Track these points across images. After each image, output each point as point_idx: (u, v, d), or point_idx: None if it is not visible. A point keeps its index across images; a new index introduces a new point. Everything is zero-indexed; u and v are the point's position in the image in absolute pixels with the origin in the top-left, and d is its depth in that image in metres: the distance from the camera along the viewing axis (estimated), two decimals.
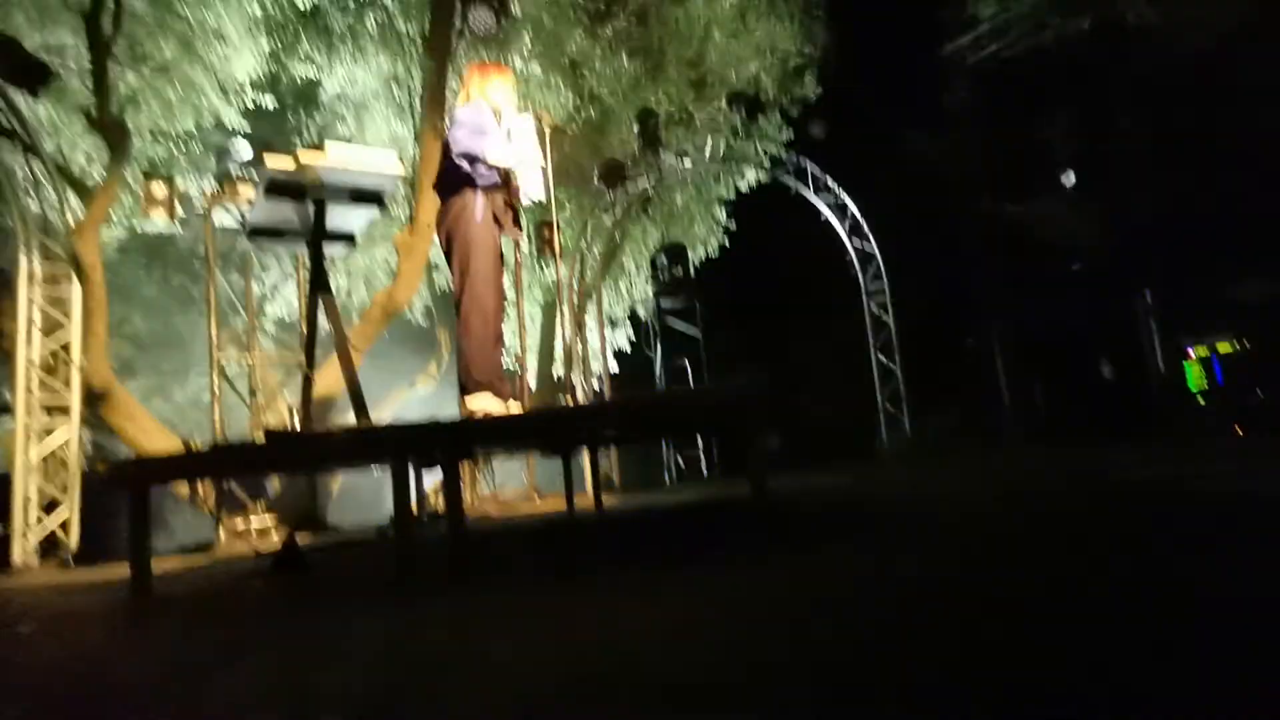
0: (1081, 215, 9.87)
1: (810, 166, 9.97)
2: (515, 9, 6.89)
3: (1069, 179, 9.34)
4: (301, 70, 7.10)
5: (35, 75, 5.22)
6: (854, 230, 9.97)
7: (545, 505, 7.31)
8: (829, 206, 10.01)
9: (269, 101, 7.12)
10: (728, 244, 10.37)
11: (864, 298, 10.12)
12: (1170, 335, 8.67)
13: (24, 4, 6.09)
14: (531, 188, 3.69)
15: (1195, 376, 8.25)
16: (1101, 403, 9.29)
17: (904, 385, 9.89)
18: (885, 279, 10.01)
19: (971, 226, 10.01)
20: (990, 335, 9.95)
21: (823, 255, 10.14)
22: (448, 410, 8.59)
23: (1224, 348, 8.05)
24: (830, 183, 9.92)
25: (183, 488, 6.70)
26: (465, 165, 3.46)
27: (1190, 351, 8.31)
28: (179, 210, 6.44)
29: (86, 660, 1.97)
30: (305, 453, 3.26)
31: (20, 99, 5.57)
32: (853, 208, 9.95)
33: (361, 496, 8.09)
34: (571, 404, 3.87)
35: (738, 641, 1.37)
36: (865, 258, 10.08)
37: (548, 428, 3.08)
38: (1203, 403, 8.17)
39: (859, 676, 1.06)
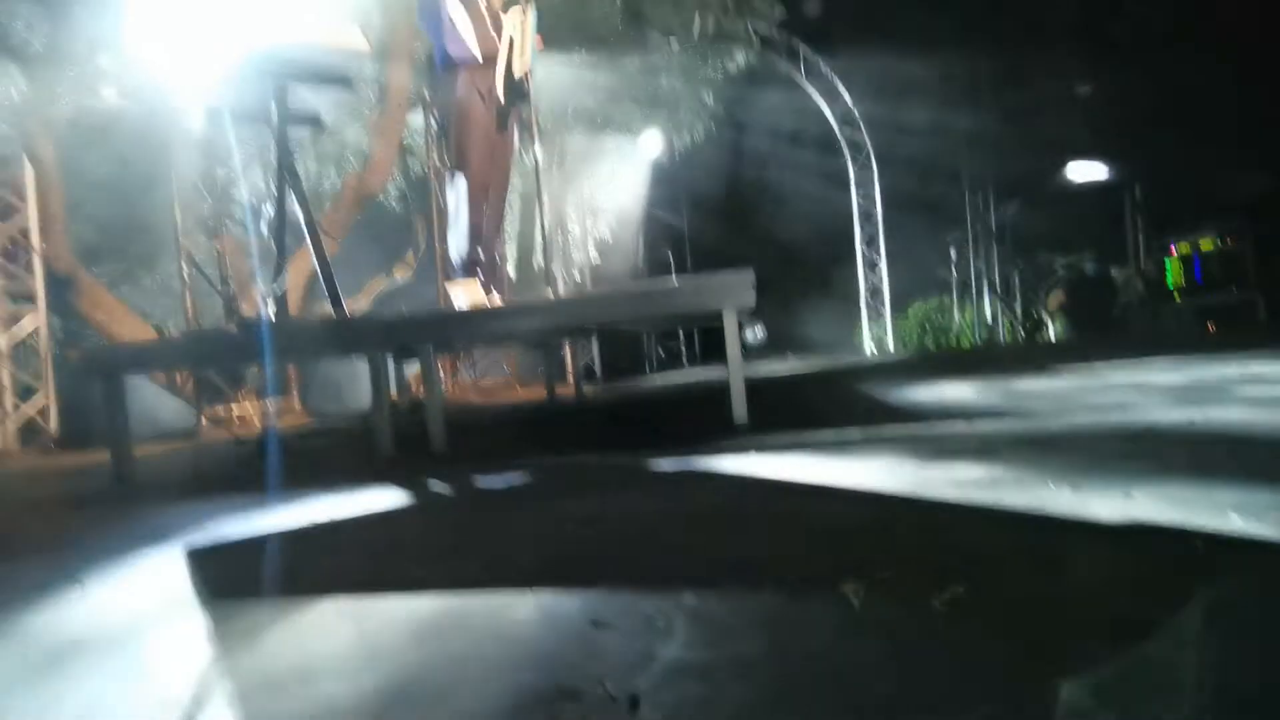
0: (1079, 108, 9.61)
1: (803, 49, 9.51)
2: None
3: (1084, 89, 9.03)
4: None
5: None
6: (845, 119, 9.65)
7: (526, 394, 7.41)
8: (820, 93, 9.63)
9: None
10: (714, 129, 10.01)
11: (852, 188, 9.95)
12: (1157, 233, 8.66)
13: None
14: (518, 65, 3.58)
15: (1174, 273, 8.31)
16: (1082, 297, 9.38)
17: (888, 279, 9.91)
18: (875, 168, 9.81)
19: (964, 118, 9.73)
20: (976, 230, 9.89)
21: (813, 143, 9.87)
22: (428, 299, 8.50)
23: (1206, 245, 8.07)
24: (823, 67, 9.50)
25: (160, 375, 6.67)
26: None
27: (1173, 248, 8.32)
28: (130, 85, 6.05)
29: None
30: (281, 342, 3.23)
31: None
32: (845, 94, 9.58)
33: (341, 381, 8.12)
34: (552, 296, 3.83)
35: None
36: (855, 147, 9.81)
37: (526, 322, 3.06)
38: (1178, 300, 8.27)
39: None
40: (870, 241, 9.99)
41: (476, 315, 3.19)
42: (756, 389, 2.95)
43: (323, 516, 1.95)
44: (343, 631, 1.05)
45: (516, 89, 3.67)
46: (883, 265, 9.95)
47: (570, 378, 7.44)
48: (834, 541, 1.27)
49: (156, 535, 1.87)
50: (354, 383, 6.33)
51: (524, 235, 9.24)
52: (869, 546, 1.22)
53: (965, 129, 9.66)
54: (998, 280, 9.86)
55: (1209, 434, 1.91)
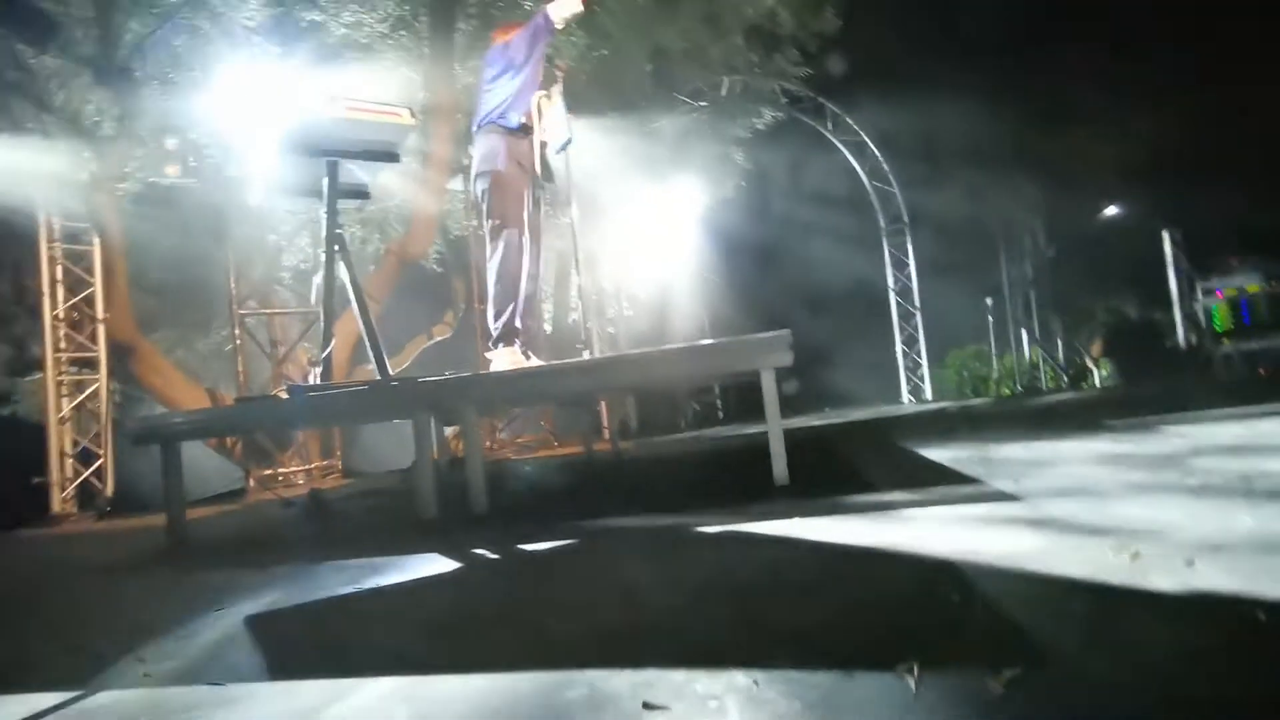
0: (1114, 148, 9.57)
1: (829, 105, 9.69)
2: None
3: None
4: (307, 15, 6.94)
5: (40, 30, 5.15)
6: (874, 173, 9.75)
7: (563, 449, 7.44)
8: (849, 147, 9.77)
9: (276, 47, 6.98)
10: (744, 185, 10.17)
11: (883, 239, 9.97)
12: (1198, 276, 8.47)
13: None
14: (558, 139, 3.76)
15: (1222, 318, 8.09)
16: (1125, 343, 9.15)
17: (923, 327, 9.82)
18: (905, 219, 9.83)
19: (998, 163, 9.75)
20: (1012, 276, 9.80)
21: (843, 195, 9.96)
22: (466, 358, 8.66)
23: (1253, 288, 7.87)
24: (850, 122, 9.65)
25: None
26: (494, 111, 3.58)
27: (1220, 292, 8.13)
28: (192, 161, 6.42)
29: None
30: (328, 408, 3.33)
31: (26, 51, 5.53)
32: (873, 148, 9.70)
33: (381, 441, 8.26)
34: (588, 355, 3.89)
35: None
36: (885, 198, 9.87)
37: (565, 384, 3.11)
38: (1228, 345, 8.03)
39: None
40: (904, 291, 9.95)
41: (516, 378, 3.26)
42: (795, 445, 2.93)
43: (370, 584, 1.98)
44: (397, 716, 1.07)
45: (549, 156, 3.82)
46: (918, 315, 9.88)
47: (606, 433, 7.46)
48: (884, 613, 1.26)
49: (212, 603, 1.92)
50: (395, 441, 6.43)
51: (559, 292, 9.42)
52: (920, 619, 1.20)
53: (998, 175, 9.68)
54: (1037, 327, 9.71)
55: (1271, 491, 1.85)
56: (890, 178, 9.68)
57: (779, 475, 2.88)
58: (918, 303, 9.94)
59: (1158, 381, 7.77)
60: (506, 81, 3.64)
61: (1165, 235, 8.52)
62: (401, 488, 4.62)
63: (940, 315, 9.99)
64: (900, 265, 9.98)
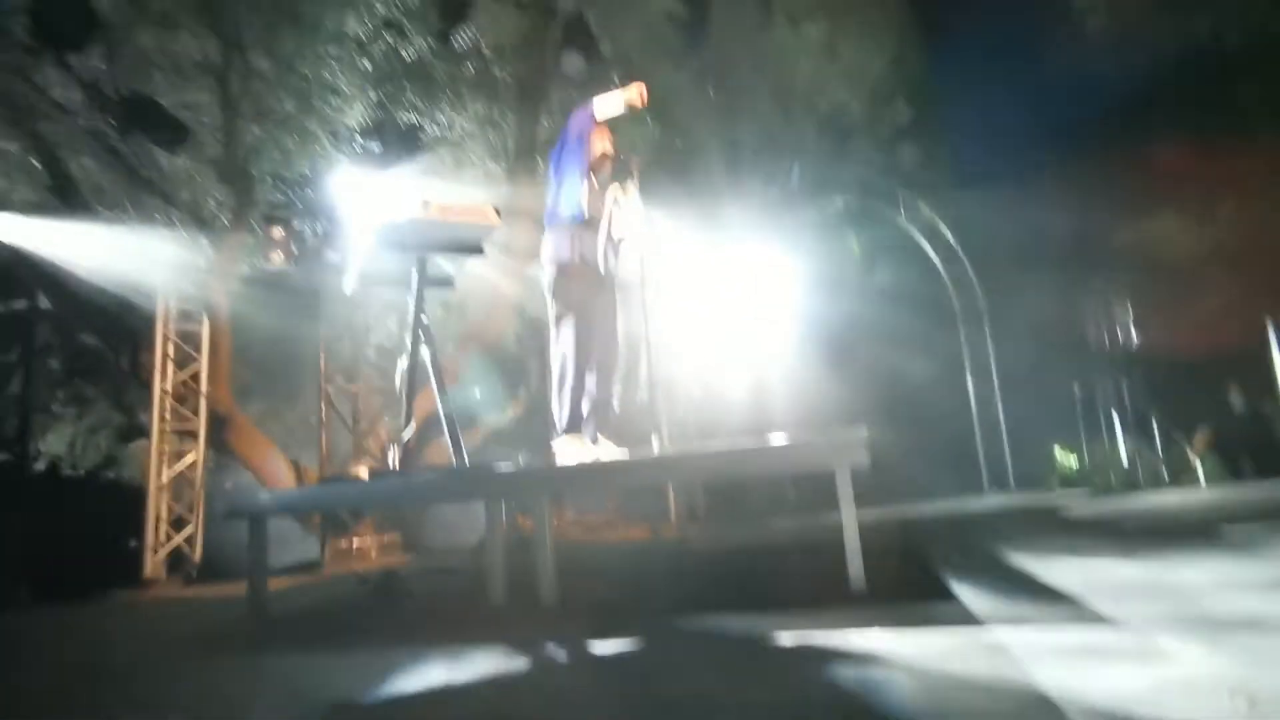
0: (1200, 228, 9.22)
1: (902, 191, 9.74)
2: (604, 50, 7.10)
3: None
4: (405, 116, 7.55)
5: (173, 134, 5.77)
6: (949, 259, 9.65)
7: (629, 533, 7.38)
8: (922, 231, 9.74)
9: (375, 146, 7.59)
10: (815, 270, 10.21)
11: (960, 327, 9.76)
12: None
13: (164, 66, 6.71)
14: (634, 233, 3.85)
15: None
16: (1232, 436, 8.53)
17: (1004, 419, 9.43)
18: (984, 306, 9.62)
19: (1084, 248, 9.51)
20: (1102, 362, 9.37)
21: (919, 282, 9.84)
22: (536, 439, 8.80)
23: None
24: (923, 207, 9.65)
25: None
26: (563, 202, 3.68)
27: None
28: (294, 249, 6.92)
29: None
30: (406, 491, 3.44)
31: (159, 154, 6.18)
32: (947, 234, 9.63)
33: (450, 518, 8.39)
34: (657, 443, 3.90)
35: None
36: (962, 284, 9.72)
37: (635, 477, 3.13)
38: None
39: None
40: (983, 377, 9.64)
41: (588, 470, 3.29)
42: (871, 541, 2.83)
43: (441, 680, 1.99)
44: None
45: (620, 248, 3.90)
46: (998, 403, 9.52)
47: (673, 518, 7.37)
48: None
49: (291, 688, 1.96)
50: (464, 519, 6.53)
51: (629, 373, 9.53)
52: None
53: (1084, 260, 9.42)
54: (1131, 416, 9.19)
55: None
56: (967, 265, 9.55)
57: (855, 580, 2.79)
58: (998, 390, 9.59)
59: (1268, 479, 7.19)
60: (564, 176, 3.73)
61: (1269, 323, 8.04)
62: (471, 569, 4.66)
63: (1024, 403, 9.58)
64: (979, 352, 9.72)
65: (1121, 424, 8.99)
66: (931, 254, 9.73)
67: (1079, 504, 6.63)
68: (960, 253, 9.57)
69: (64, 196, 6.11)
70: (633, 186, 3.98)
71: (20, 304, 6.40)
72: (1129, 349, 9.23)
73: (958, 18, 9.21)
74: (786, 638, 2.15)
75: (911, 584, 3.00)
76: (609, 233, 3.82)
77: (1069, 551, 3.34)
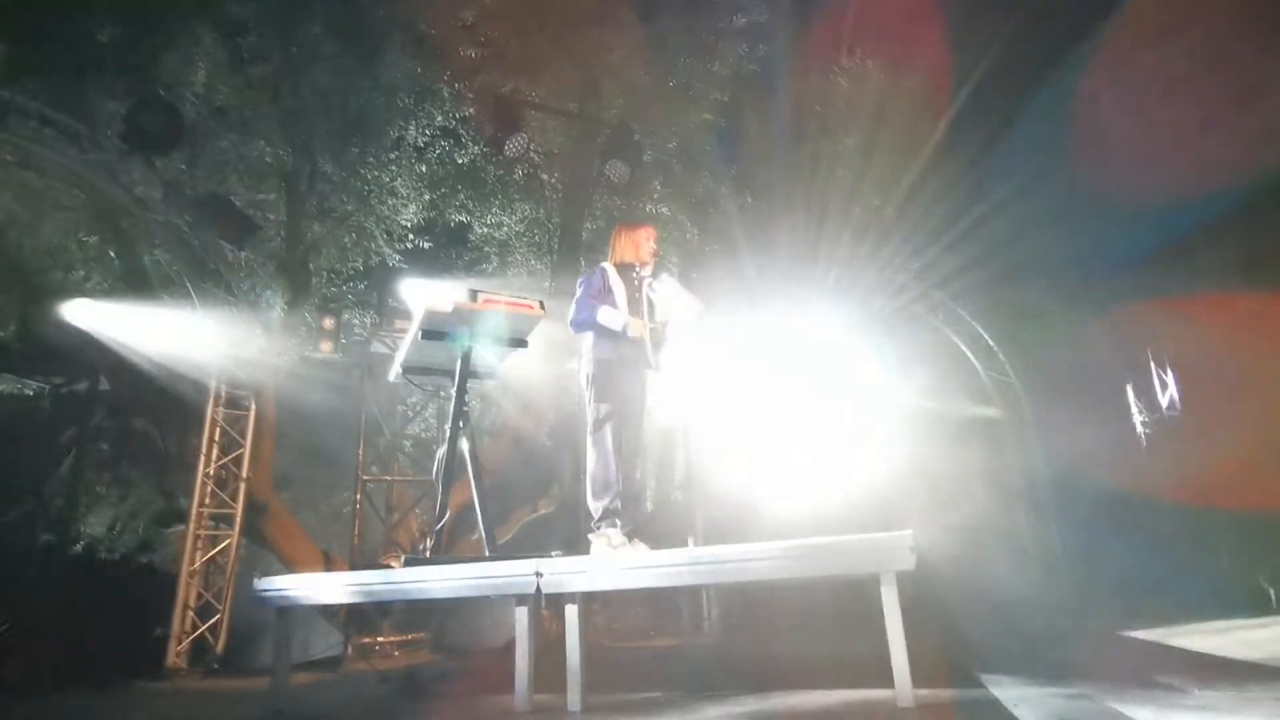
0: None
1: (939, 294, 9.77)
2: (646, 158, 7.46)
3: None
4: (456, 216, 7.95)
5: (242, 230, 6.14)
6: (990, 364, 9.53)
7: (659, 640, 7.07)
8: (961, 337, 9.69)
9: (425, 243, 7.97)
10: (855, 368, 10.16)
11: (1003, 430, 9.51)
12: None
13: (239, 168, 7.23)
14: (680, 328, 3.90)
15: None
16: None
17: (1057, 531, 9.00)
18: (1028, 411, 9.40)
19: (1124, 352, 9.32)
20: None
21: (963, 381, 9.68)
22: (568, 534, 8.66)
23: None
24: (961, 312, 9.64)
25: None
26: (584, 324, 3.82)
27: None
28: (343, 340, 7.17)
29: None
30: (437, 583, 3.38)
31: (226, 247, 6.56)
32: (986, 337, 9.56)
33: (476, 616, 8.17)
34: (693, 543, 3.80)
35: None
36: (1004, 387, 9.55)
37: (668, 576, 3.06)
38: None
39: None
40: (1031, 492, 9.29)
41: (621, 567, 3.21)
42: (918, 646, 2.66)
43: None
44: None
45: (657, 342, 3.95)
46: (1049, 514, 9.12)
47: (707, 626, 7.08)
48: None
49: None
50: (490, 618, 6.35)
51: (664, 471, 9.42)
52: None
53: (1126, 365, 9.24)
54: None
55: None
56: (1008, 368, 9.41)
57: (902, 697, 2.62)
58: (1044, 496, 9.22)
59: None
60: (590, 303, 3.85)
61: None
62: (496, 671, 4.49)
63: (1072, 508, 9.16)
64: (1025, 455, 9.42)
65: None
66: (971, 356, 9.64)
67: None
68: (1001, 357, 9.46)
69: (134, 285, 6.48)
70: (667, 279, 4.08)
71: (81, 385, 6.67)
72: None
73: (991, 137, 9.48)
74: None
75: (961, 697, 2.79)
76: (648, 323, 3.89)
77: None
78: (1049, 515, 9.00)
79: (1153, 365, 8.89)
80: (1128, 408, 8.96)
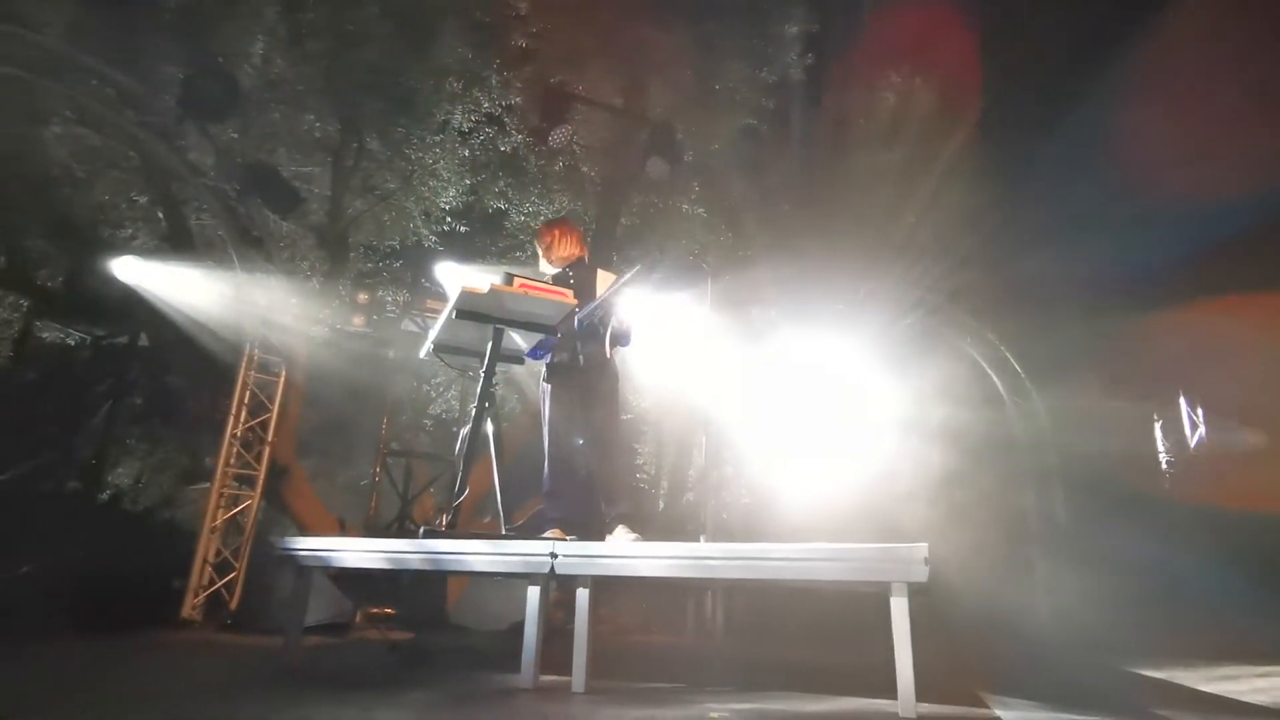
0: None
1: (960, 311, 9.70)
2: (688, 157, 7.50)
3: None
4: (494, 203, 8.06)
5: (286, 200, 6.27)
6: (1016, 390, 9.44)
7: (661, 637, 7.10)
8: (981, 353, 9.61)
9: (462, 227, 8.09)
10: (880, 383, 10.11)
11: (1020, 454, 9.41)
12: None
13: (287, 139, 7.38)
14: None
15: None
16: None
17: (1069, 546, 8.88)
18: (1050, 434, 9.29)
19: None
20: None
21: (984, 395, 9.59)
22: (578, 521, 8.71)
23: None
24: (990, 335, 9.57)
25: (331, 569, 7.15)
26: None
27: None
28: (374, 316, 7.29)
29: None
30: (452, 555, 3.45)
31: (270, 217, 6.71)
32: (1014, 363, 9.48)
33: (486, 598, 8.26)
34: (703, 540, 3.84)
35: None
36: (1029, 416, 9.45)
37: (676, 568, 3.10)
38: None
39: None
40: (1048, 515, 9.19)
41: (634, 555, 3.25)
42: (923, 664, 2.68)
43: None
44: None
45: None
46: (1067, 548, 9.01)
47: (711, 626, 7.10)
48: None
49: None
50: (500, 599, 6.44)
51: (677, 473, 9.46)
52: None
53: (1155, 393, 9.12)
54: None
55: None
56: (1029, 388, 9.32)
57: (904, 708, 2.63)
58: (1061, 519, 9.11)
59: None
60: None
61: None
62: (504, 650, 4.56)
63: (1090, 535, 9.03)
64: (1046, 482, 9.32)
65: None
66: (997, 381, 9.56)
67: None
68: (1027, 384, 9.37)
69: (178, 246, 6.65)
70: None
71: (121, 339, 6.85)
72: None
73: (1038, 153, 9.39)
74: None
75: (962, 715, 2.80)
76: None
77: None
78: (1065, 540, 8.90)
79: (1181, 398, 8.75)
80: (1152, 433, 8.84)
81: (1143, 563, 7.76)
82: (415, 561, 3.53)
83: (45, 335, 7.27)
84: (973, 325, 9.56)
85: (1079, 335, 9.04)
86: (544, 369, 4.11)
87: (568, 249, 4.21)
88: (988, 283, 10.08)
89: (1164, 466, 8.99)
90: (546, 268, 4.25)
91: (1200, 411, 8.94)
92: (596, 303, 3.99)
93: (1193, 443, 8.85)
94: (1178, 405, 9.01)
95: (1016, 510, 9.23)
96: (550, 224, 4.32)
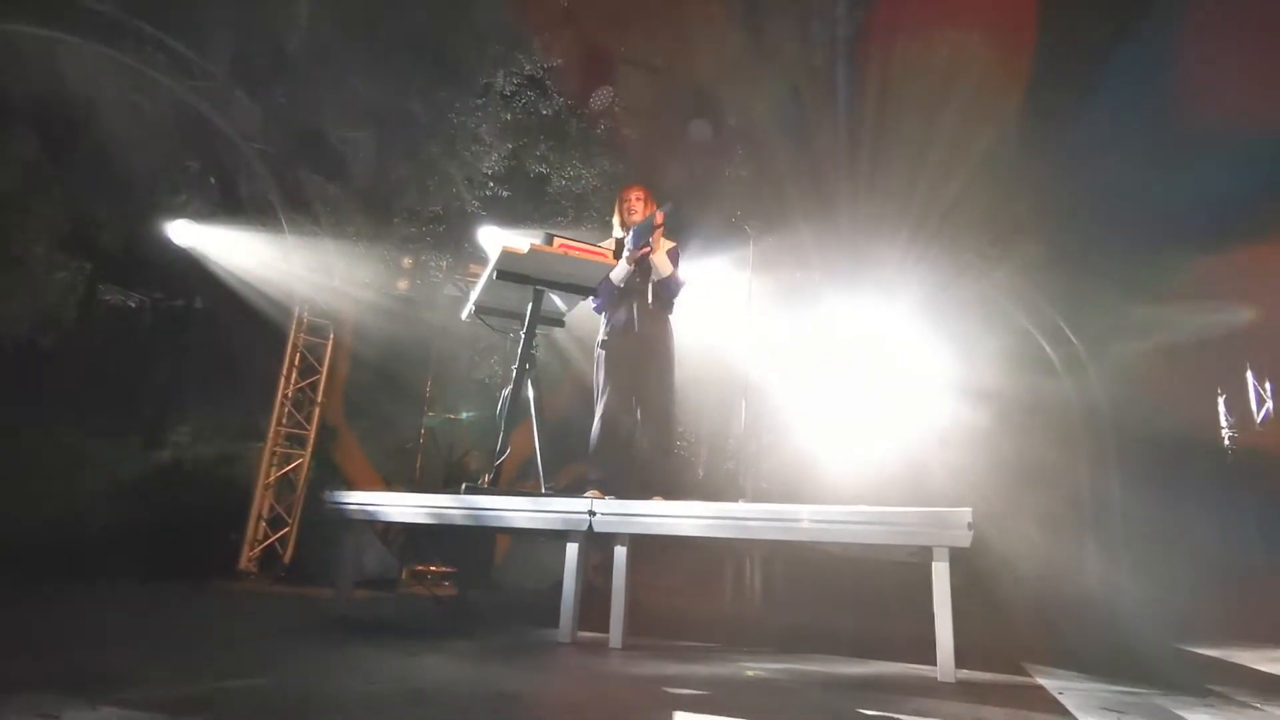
0: None
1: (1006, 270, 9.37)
2: (731, 121, 7.34)
3: None
4: (536, 167, 8.03)
5: (332, 165, 6.35)
6: (1056, 343, 9.11)
7: (698, 601, 7.16)
8: (1030, 319, 9.30)
9: (504, 192, 8.09)
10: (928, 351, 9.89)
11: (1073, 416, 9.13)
12: None
13: (334, 104, 7.43)
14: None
15: None
16: None
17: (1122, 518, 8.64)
18: (1101, 394, 8.98)
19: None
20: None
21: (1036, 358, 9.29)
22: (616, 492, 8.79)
23: None
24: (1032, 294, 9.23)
25: (379, 526, 7.37)
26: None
27: None
28: (418, 281, 7.38)
29: None
30: (496, 512, 3.51)
31: (316, 181, 6.81)
32: (1060, 322, 9.15)
33: (527, 558, 8.43)
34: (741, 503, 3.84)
35: None
36: (1074, 363, 9.12)
37: (715, 527, 3.11)
38: None
39: None
40: (1103, 495, 8.92)
41: (673, 515, 3.26)
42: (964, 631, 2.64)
43: (511, 688, 1.98)
44: None
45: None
46: (1119, 518, 8.76)
47: (750, 593, 7.11)
48: None
49: (369, 677, 2.00)
50: (541, 559, 6.55)
51: (717, 440, 9.43)
52: None
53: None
54: None
55: None
56: (1083, 359, 9.00)
57: (944, 673, 2.61)
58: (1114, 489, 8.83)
59: None
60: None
61: None
62: (545, 607, 4.65)
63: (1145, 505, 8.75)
64: (1100, 455, 9.03)
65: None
66: (1050, 350, 9.26)
67: None
68: (1079, 347, 9.05)
69: (230, 210, 6.80)
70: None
71: (179, 302, 7.08)
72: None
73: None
74: (869, 710, 2.02)
75: (1005, 681, 2.76)
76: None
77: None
78: (1118, 514, 8.65)
79: (1249, 371, 8.37)
80: (1215, 407, 8.49)
81: (1200, 540, 7.50)
82: (457, 517, 3.61)
83: (108, 298, 7.54)
84: (1026, 292, 9.24)
85: (1136, 304, 8.67)
86: (599, 334, 4.11)
87: (646, 215, 4.15)
88: (1041, 249, 9.72)
89: (1226, 442, 8.64)
90: (619, 231, 4.17)
91: (1269, 386, 8.54)
92: (639, 230, 3.95)
93: (1259, 418, 8.48)
94: (1244, 379, 8.62)
95: (1068, 483, 8.99)
96: (632, 186, 4.28)
